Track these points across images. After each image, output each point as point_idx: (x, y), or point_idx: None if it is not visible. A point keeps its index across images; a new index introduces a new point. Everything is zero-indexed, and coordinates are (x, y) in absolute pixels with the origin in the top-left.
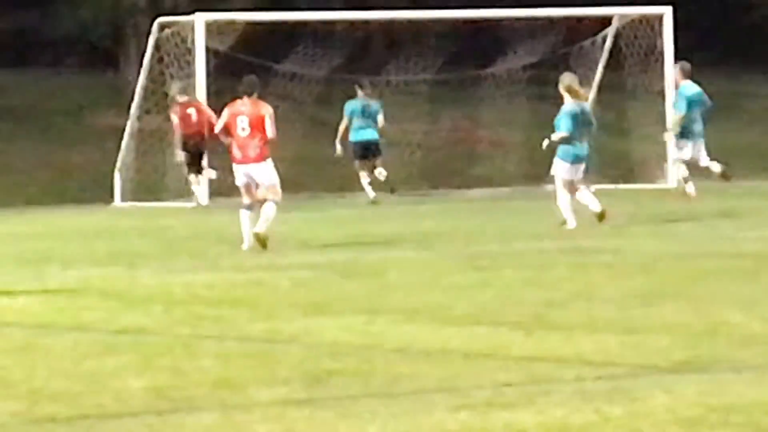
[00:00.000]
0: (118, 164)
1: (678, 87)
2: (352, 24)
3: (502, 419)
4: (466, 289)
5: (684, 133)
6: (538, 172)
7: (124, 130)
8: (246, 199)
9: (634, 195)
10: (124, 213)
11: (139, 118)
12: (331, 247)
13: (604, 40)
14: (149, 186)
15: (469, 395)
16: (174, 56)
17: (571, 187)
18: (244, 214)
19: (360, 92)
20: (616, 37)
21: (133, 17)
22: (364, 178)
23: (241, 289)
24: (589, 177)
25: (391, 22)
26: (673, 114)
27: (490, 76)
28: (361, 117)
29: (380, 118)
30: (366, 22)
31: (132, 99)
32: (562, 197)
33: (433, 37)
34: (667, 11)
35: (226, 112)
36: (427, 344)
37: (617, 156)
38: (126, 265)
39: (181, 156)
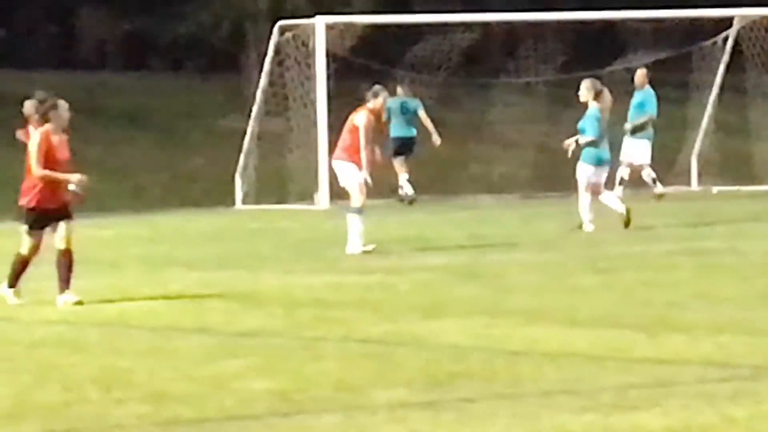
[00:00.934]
0: (239, 167)
1: (642, 89)
2: (470, 25)
3: (626, 421)
4: (587, 291)
5: (647, 134)
6: (656, 172)
7: (244, 133)
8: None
9: (757, 196)
10: (246, 216)
11: (260, 121)
12: (451, 249)
13: (725, 42)
14: (270, 189)
15: (593, 397)
16: (294, 59)
17: (594, 189)
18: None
19: (399, 90)
20: (737, 38)
21: (254, 21)
22: (403, 174)
23: (363, 291)
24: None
25: (509, 23)
26: (645, 114)
27: (609, 76)
28: (399, 114)
29: (421, 113)
30: (484, 24)
31: (253, 102)
32: (583, 200)
33: (551, 37)
34: None
35: None
36: (550, 346)
37: (739, 157)
38: (248, 267)
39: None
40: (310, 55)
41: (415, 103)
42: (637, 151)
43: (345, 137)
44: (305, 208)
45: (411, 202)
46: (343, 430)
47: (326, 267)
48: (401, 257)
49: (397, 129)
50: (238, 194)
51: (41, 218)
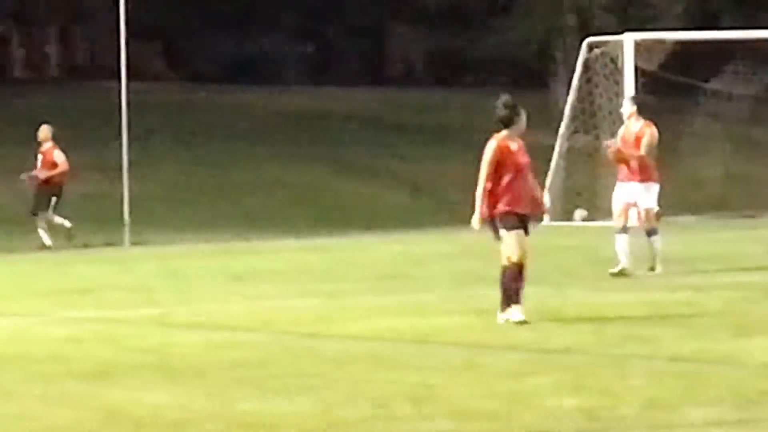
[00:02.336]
0: (548, 183)
1: None
2: None
3: None
4: None
5: None
6: None
7: (552, 148)
8: (620, 222)
9: None
10: (554, 232)
11: (568, 137)
12: (759, 267)
13: None
14: (578, 205)
15: None
16: (603, 75)
17: None
18: (620, 238)
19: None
20: None
21: (562, 38)
22: None
23: (671, 308)
24: None
25: None
26: None
27: None
28: None
29: None
30: None
31: (560, 118)
32: None
33: None
34: None
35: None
36: None
37: None
38: (556, 284)
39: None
40: (618, 71)
41: None
42: None
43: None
44: (613, 225)
45: None
46: None
47: (633, 284)
48: (709, 275)
49: None
50: (546, 209)
51: (518, 221)
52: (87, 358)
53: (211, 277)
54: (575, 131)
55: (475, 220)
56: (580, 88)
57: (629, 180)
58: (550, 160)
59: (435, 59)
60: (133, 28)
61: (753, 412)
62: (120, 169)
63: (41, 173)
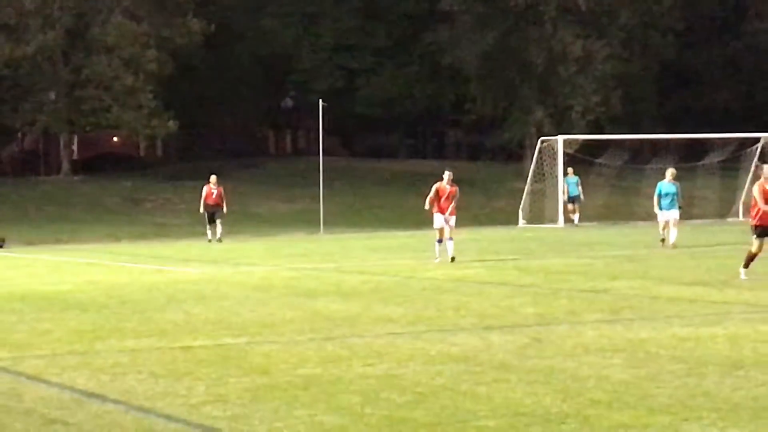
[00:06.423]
0: (521, 206)
1: None
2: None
3: None
4: None
5: None
6: None
7: (523, 191)
8: (438, 235)
9: None
10: (527, 230)
11: (531, 184)
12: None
13: None
14: (540, 217)
15: None
16: (547, 156)
17: None
18: (437, 245)
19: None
20: None
21: (530, 137)
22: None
23: (578, 267)
24: None
25: None
26: None
27: None
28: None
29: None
30: None
31: (527, 176)
32: None
33: None
34: None
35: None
36: None
37: None
38: (526, 254)
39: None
40: (555, 153)
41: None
42: None
43: (450, 199)
44: (554, 227)
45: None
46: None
47: (562, 254)
48: (603, 250)
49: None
50: (520, 220)
51: (762, 231)
52: (301, 286)
53: (356, 249)
54: (535, 181)
55: None
56: (537, 162)
57: (443, 212)
58: (522, 196)
59: (459, 147)
60: (326, 128)
61: (620, 315)
62: (319, 197)
63: (212, 201)
